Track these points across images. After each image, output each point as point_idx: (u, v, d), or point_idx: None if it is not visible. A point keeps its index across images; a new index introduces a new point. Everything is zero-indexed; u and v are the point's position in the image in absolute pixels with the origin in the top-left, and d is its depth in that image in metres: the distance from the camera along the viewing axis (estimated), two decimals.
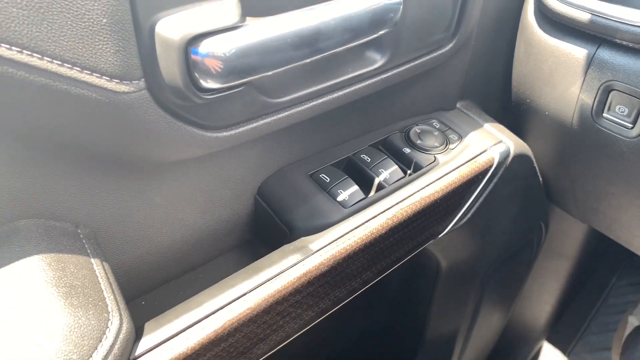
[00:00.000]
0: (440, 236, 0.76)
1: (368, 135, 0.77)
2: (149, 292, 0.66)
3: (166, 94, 0.46)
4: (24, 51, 0.39)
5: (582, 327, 1.41)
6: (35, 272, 0.47)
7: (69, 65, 0.41)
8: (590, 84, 0.75)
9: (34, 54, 0.39)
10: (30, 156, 0.48)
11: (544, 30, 0.78)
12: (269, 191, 0.68)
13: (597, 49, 0.73)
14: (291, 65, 0.50)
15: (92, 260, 0.52)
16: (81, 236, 0.54)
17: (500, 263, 1.00)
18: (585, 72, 0.75)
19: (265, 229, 0.70)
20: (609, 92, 0.74)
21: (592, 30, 0.72)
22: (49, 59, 0.40)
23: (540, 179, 0.92)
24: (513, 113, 0.89)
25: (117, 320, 0.48)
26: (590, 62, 0.74)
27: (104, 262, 0.53)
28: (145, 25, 0.43)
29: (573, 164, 0.87)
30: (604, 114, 0.75)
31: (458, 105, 0.85)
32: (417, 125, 0.79)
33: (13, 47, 0.39)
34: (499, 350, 1.41)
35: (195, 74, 0.45)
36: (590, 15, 0.71)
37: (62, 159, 0.50)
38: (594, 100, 0.75)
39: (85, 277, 0.49)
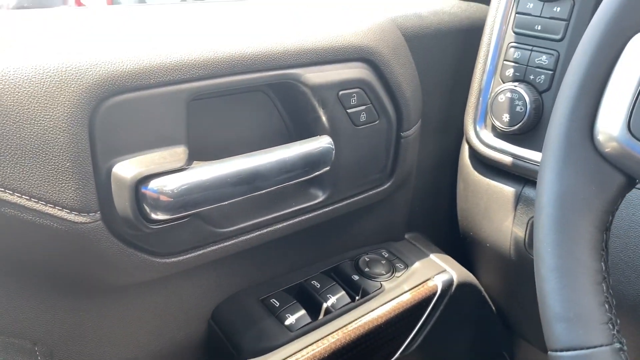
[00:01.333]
0: None
1: (321, 262, 0.83)
2: None
3: (119, 224, 0.54)
4: None
5: None
6: None
7: (36, 200, 0.49)
8: (520, 218, 0.83)
9: (7, 190, 0.48)
10: None
11: (478, 171, 0.88)
12: (221, 315, 0.74)
13: (523, 187, 0.82)
14: (232, 200, 0.59)
15: None
16: (37, 354, 0.58)
17: None
18: (515, 208, 0.83)
19: (217, 354, 0.74)
20: None
21: (516, 171, 0.81)
22: (19, 194, 0.48)
23: (494, 307, 0.97)
24: (460, 245, 0.97)
25: None
26: (518, 199, 0.83)
27: None
28: (104, 167, 0.52)
29: (519, 292, 0.92)
30: None
31: (406, 236, 0.93)
32: (366, 254, 0.86)
33: None
34: None
35: (145, 207, 0.54)
36: (512, 159, 0.81)
37: (23, 279, 0.56)
38: (525, 233, 0.83)
39: None
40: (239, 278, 0.75)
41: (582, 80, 0.43)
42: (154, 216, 0.54)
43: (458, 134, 0.91)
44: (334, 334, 0.71)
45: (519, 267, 0.87)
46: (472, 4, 0.89)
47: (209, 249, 0.63)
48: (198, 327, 0.73)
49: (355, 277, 0.81)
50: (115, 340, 0.66)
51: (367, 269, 0.83)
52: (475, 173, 0.88)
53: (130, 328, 0.66)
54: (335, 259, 0.85)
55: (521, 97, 0.77)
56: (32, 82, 0.47)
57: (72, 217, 0.51)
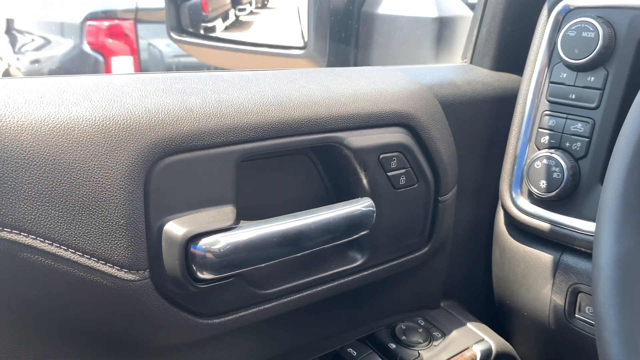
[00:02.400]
0: None
1: (355, 329, 0.82)
2: None
3: (166, 283, 0.54)
4: (54, 243, 0.48)
5: None
6: None
7: (88, 256, 0.50)
8: (560, 286, 0.81)
9: (62, 246, 0.49)
10: (41, 337, 0.54)
11: (514, 238, 0.87)
12: None
13: (561, 255, 0.81)
14: (276, 261, 0.59)
15: None
16: None
17: None
18: (554, 276, 0.82)
19: None
20: (577, 293, 0.80)
21: (555, 238, 0.81)
22: (73, 251, 0.49)
23: None
24: (496, 313, 0.94)
25: None
26: (556, 266, 0.81)
27: None
28: (155, 225, 0.53)
29: None
30: (576, 315, 0.81)
31: (442, 304, 0.91)
32: (402, 322, 0.84)
33: (46, 240, 0.48)
34: None
35: (193, 266, 0.54)
36: (550, 225, 0.80)
37: (68, 339, 0.56)
38: (565, 301, 0.81)
39: None
40: (274, 344, 0.74)
41: (637, 143, 0.43)
42: (200, 275, 0.54)
43: (493, 200, 0.91)
44: None
45: (558, 337, 0.85)
46: (505, 74, 0.92)
47: (249, 311, 0.62)
48: None
49: (392, 346, 0.79)
50: None
51: (404, 337, 0.81)
52: (512, 240, 0.87)
53: None
54: (370, 326, 0.83)
55: (558, 164, 0.77)
56: (94, 140, 0.49)
57: (122, 274, 0.51)
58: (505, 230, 0.88)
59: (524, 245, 0.86)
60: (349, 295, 0.77)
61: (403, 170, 0.71)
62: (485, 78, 0.88)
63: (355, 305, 0.81)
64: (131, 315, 0.54)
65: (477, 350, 0.81)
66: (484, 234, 0.93)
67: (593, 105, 0.77)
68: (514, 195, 0.84)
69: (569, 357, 0.85)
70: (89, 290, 0.51)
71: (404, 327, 0.83)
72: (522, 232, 0.86)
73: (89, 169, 0.48)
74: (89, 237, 0.49)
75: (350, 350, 0.77)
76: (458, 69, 0.90)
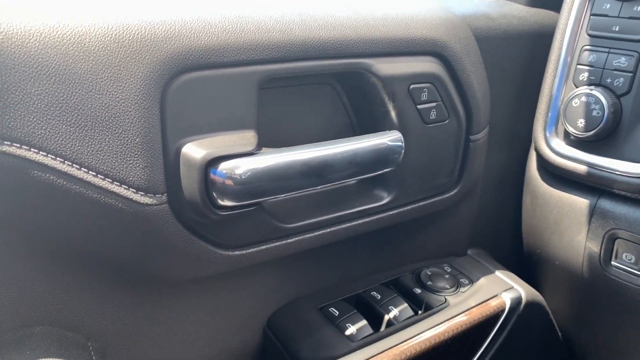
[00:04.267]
0: None
1: (378, 274, 0.79)
2: None
3: (184, 209, 0.51)
4: (66, 161, 0.45)
5: None
6: None
7: (102, 177, 0.47)
8: (595, 232, 0.77)
9: (74, 165, 0.46)
10: (54, 266, 0.52)
11: (547, 183, 0.83)
12: (277, 323, 0.70)
13: (597, 199, 0.77)
14: (300, 192, 0.56)
15: None
16: (91, 349, 0.55)
17: None
18: (589, 222, 0.78)
19: None
20: (614, 240, 0.76)
21: (591, 182, 0.76)
22: (86, 170, 0.46)
23: (560, 334, 0.90)
24: (525, 263, 0.91)
25: None
26: (593, 211, 0.77)
27: None
28: (173, 147, 0.49)
29: (590, 316, 0.85)
30: (612, 262, 0.77)
31: (469, 252, 0.88)
32: (428, 268, 0.81)
33: (58, 158, 0.45)
34: None
35: (213, 192, 0.51)
36: (587, 168, 0.76)
37: (82, 270, 0.54)
38: (601, 248, 0.77)
39: None
40: (296, 284, 0.71)
41: None
42: (221, 202, 0.51)
43: (525, 144, 0.87)
44: (399, 346, 0.66)
45: (592, 286, 0.81)
46: (541, 10, 0.86)
47: (272, 245, 0.59)
48: (253, 334, 0.69)
49: (418, 291, 0.76)
50: (170, 342, 0.62)
51: (429, 283, 0.78)
52: (545, 185, 0.83)
53: (187, 330, 0.63)
54: (394, 271, 0.80)
55: (598, 101, 0.73)
56: (107, 50, 0.45)
57: (138, 197, 0.48)
58: (538, 175, 0.84)
59: (557, 191, 0.81)
60: (373, 237, 0.74)
61: (434, 104, 0.66)
62: (521, 13, 0.83)
63: (379, 249, 0.78)
64: (149, 243, 0.52)
65: (507, 298, 0.78)
66: (515, 180, 0.89)
67: (639, 37, 0.71)
68: (548, 136, 0.80)
69: (602, 307, 0.81)
70: (104, 214, 0.48)
71: (429, 273, 0.80)
72: (556, 176, 0.82)
73: (102, 81, 0.45)
74: (103, 156, 0.46)
75: (374, 293, 0.74)
76: (493, 3, 0.85)
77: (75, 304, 0.55)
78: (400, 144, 0.62)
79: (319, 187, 0.57)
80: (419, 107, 0.65)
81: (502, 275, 0.83)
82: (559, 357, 0.93)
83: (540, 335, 0.86)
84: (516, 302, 0.78)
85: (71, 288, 0.54)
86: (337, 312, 0.70)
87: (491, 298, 0.77)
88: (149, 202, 0.49)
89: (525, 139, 0.86)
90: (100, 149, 0.46)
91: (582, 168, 0.76)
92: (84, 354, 0.54)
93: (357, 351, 0.65)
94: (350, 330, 0.67)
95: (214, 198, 0.51)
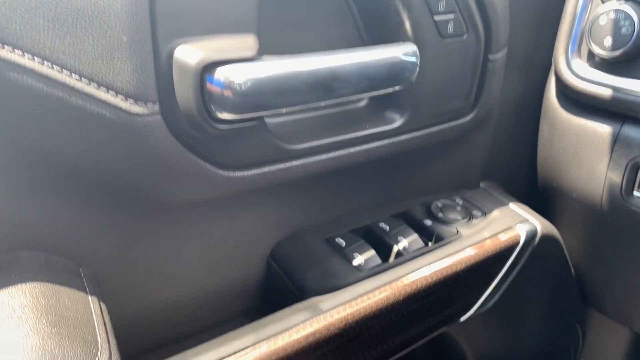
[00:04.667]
0: (464, 318, 0.71)
1: (387, 207, 0.75)
2: (149, 354, 0.61)
3: (179, 122, 0.47)
4: (45, 62, 0.40)
5: None
6: (26, 297, 0.45)
7: (87, 81, 0.42)
8: (618, 161, 0.73)
9: (54, 66, 0.41)
10: (38, 184, 0.48)
11: (567, 110, 0.78)
12: (281, 253, 0.66)
13: (621, 126, 0.72)
14: (306, 107, 0.51)
15: (90, 297, 0.49)
16: (82, 275, 0.52)
17: None
18: (612, 150, 0.73)
19: (276, 293, 0.66)
20: (638, 169, 0.71)
21: (616, 107, 0.71)
22: (67, 73, 0.41)
23: (572, 270, 0.87)
24: (539, 196, 0.87)
25: (105, 357, 0.44)
26: (615, 139, 0.73)
27: (101, 302, 0.50)
28: (164, 49, 0.44)
29: (607, 251, 0.82)
30: (635, 193, 0.72)
31: (481, 185, 0.84)
32: (439, 200, 0.77)
33: (35, 57, 0.40)
34: None
35: (210, 104, 0.46)
36: (612, 92, 0.71)
37: (70, 190, 0.49)
38: (623, 178, 0.73)
39: (78, 311, 0.47)
40: (301, 214, 0.67)
41: None
42: (220, 115, 0.46)
43: (543, 70, 0.81)
44: (408, 276, 0.63)
45: (610, 219, 0.77)
46: None
47: (275, 167, 0.55)
48: (256, 265, 0.66)
49: (428, 222, 0.73)
50: (165, 272, 0.59)
51: (440, 214, 0.74)
52: (564, 112, 0.78)
53: (184, 259, 0.59)
54: (404, 203, 0.76)
55: (628, 17, 0.67)
56: None
57: (128, 105, 0.43)
58: (557, 102, 0.79)
59: (577, 118, 0.76)
60: (382, 167, 0.70)
61: (452, 15, 0.61)
62: None
63: (389, 180, 0.74)
64: (141, 160, 0.47)
65: (522, 230, 0.74)
66: (531, 109, 0.84)
67: None
68: (570, 58, 0.74)
69: (620, 241, 0.78)
70: (89, 125, 0.44)
71: (440, 205, 0.76)
72: (577, 102, 0.77)
73: None
74: (86, 57, 0.41)
75: (382, 225, 0.70)
76: None
77: (64, 227, 0.51)
78: (415, 58, 0.57)
79: (326, 105, 0.52)
80: (436, 18, 0.59)
81: (517, 208, 0.79)
82: (570, 295, 0.90)
83: (554, 270, 0.83)
84: (531, 235, 0.75)
85: (59, 210, 0.50)
86: (344, 243, 0.66)
87: (505, 230, 0.73)
88: (140, 112, 0.44)
89: (544, 65, 0.81)
90: (83, 48, 0.41)
91: (606, 92, 0.71)
92: (75, 280, 0.50)
93: (365, 281, 0.61)
94: (358, 260, 0.64)
95: (211, 110, 0.46)
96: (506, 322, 0.81)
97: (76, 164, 0.47)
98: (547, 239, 0.77)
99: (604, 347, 1.13)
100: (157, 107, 0.45)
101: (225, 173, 0.52)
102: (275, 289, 0.66)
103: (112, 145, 0.46)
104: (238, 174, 0.53)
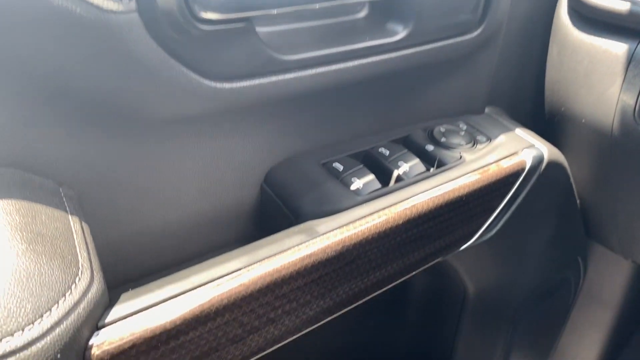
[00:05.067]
0: (465, 246, 0.68)
1: (388, 132, 0.71)
2: (137, 280, 0.59)
3: (159, 21, 0.42)
4: None
5: None
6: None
7: None
8: (632, 82, 0.69)
9: None
10: (10, 97, 0.44)
11: (579, 29, 0.73)
12: (276, 178, 0.63)
13: (637, 44, 0.68)
14: (298, 7, 0.46)
15: (70, 216, 0.46)
16: (62, 194, 0.48)
17: (534, 301, 0.91)
18: (626, 71, 0.69)
19: (271, 220, 0.63)
20: None
21: (633, 22, 0.67)
22: None
23: (578, 199, 0.85)
24: (545, 123, 0.83)
25: (86, 278, 0.42)
26: (630, 58, 0.68)
27: (83, 223, 0.47)
28: None
29: (614, 180, 0.79)
30: None
31: (486, 110, 0.80)
32: (441, 125, 0.73)
33: None
34: None
35: (192, 1, 0.41)
36: (630, 6, 0.66)
37: (46, 102, 0.45)
38: (636, 101, 0.69)
39: (58, 230, 0.44)
40: (296, 138, 0.64)
41: None
42: (202, 14, 0.42)
43: None
44: (409, 200, 0.60)
45: (620, 144, 0.73)
46: None
47: (267, 79, 0.51)
48: (249, 191, 0.62)
49: (430, 147, 0.69)
50: (153, 195, 0.56)
51: (443, 139, 0.71)
52: (576, 31, 0.73)
53: (173, 183, 0.56)
54: (405, 129, 0.73)
55: None
56: None
57: (100, 0, 0.39)
58: (568, 20, 0.74)
59: (590, 37, 0.72)
60: (382, 88, 0.66)
61: None
62: None
63: (390, 103, 0.70)
64: (117, 65, 0.43)
65: (528, 156, 0.71)
66: (540, 29, 0.79)
67: None
68: None
69: (629, 167, 0.75)
70: (59, 24, 0.39)
71: (443, 130, 0.72)
72: (590, 20, 0.72)
73: None
74: None
75: (382, 150, 0.67)
76: None
77: (42, 144, 0.47)
78: None
79: (323, 13, 0.48)
80: None
81: (523, 134, 0.75)
82: (573, 226, 0.88)
83: (559, 199, 0.80)
84: (538, 160, 0.71)
85: (35, 124, 0.46)
86: (342, 167, 0.63)
87: (510, 155, 0.70)
88: (114, 8, 0.40)
89: None
90: None
91: (622, 6, 0.66)
92: (54, 199, 0.47)
93: (364, 205, 0.58)
94: (356, 184, 0.61)
95: (193, 9, 0.42)
96: (507, 252, 0.79)
97: (49, 72, 0.43)
98: (553, 165, 0.74)
99: (604, 280, 1.13)
100: (133, 4, 0.40)
101: (212, 84, 0.48)
102: (270, 215, 0.63)
103: (85, 48, 0.41)
104: (226, 85, 0.49)
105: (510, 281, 0.84)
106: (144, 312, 0.44)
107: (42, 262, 0.40)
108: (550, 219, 0.82)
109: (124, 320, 0.43)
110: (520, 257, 0.82)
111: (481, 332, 0.89)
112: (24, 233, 0.41)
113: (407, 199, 0.60)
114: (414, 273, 0.63)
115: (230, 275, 0.48)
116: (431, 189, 0.62)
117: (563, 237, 0.87)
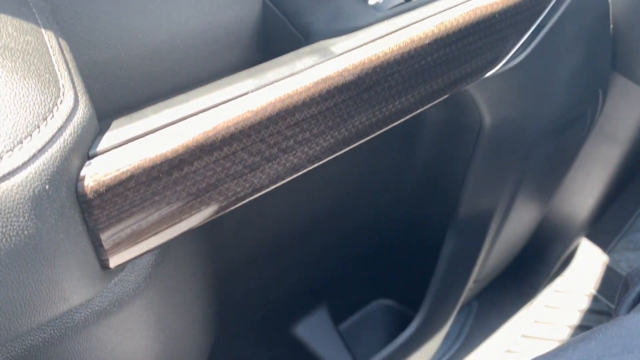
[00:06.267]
0: (491, 72, 0.62)
1: None
2: (126, 110, 0.53)
3: None
4: None
5: (626, 224, 1.28)
6: None
7: None
8: None
9: None
10: None
11: None
12: None
13: None
14: None
15: (43, 30, 0.39)
16: (31, 4, 0.40)
17: (549, 136, 0.87)
18: None
19: (275, 41, 0.56)
20: None
21: None
22: None
23: (612, 25, 0.77)
24: None
25: (70, 99, 0.35)
26: None
27: (60, 39, 0.40)
28: None
29: None
30: None
31: None
32: None
33: None
34: (532, 246, 1.29)
35: None
36: None
37: None
38: None
39: (29, 44, 0.37)
40: None
41: None
42: None
43: None
44: (437, 16, 0.52)
45: None
46: None
47: None
48: (250, 9, 0.54)
49: None
50: (141, 9, 0.47)
51: None
52: None
53: None
54: None
55: None
56: None
57: None
58: None
59: None
60: None
61: None
62: None
63: None
64: None
65: None
66: None
67: None
68: None
69: None
70: None
71: None
72: None
73: None
74: None
75: None
76: None
77: None
78: None
79: None
80: None
81: None
82: (601, 56, 0.81)
83: (592, 25, 0.72)
84: None
85: None
86: None
87: None
88: None
89: None
90: None
91: None
92: (22, 9, 0.39)
93: (385, 22, 0.51)
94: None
95: None
96: (530, 82, 0.73)
97: None
98: None
99: (620, 115, 1.08)
100: None
101: None
102: (274, 37, 0.56)
103: None
104: None
105: (529, 114, 0.79)
106: (141, 139, 0.38)
107: (15, 80, 0.33)
108: (581, 46, 0.75)
109: (119, 148, 0.38)
110: (544, 87, 0.76)
111: (493, 168, 0.86)
112: None
113: (434, 14, 0.52)
114: (435, 102, 0.58)
115: (234, 102, 0.42)
116: (461, 4, 0.54)
117: (590, 67, 0.80)
